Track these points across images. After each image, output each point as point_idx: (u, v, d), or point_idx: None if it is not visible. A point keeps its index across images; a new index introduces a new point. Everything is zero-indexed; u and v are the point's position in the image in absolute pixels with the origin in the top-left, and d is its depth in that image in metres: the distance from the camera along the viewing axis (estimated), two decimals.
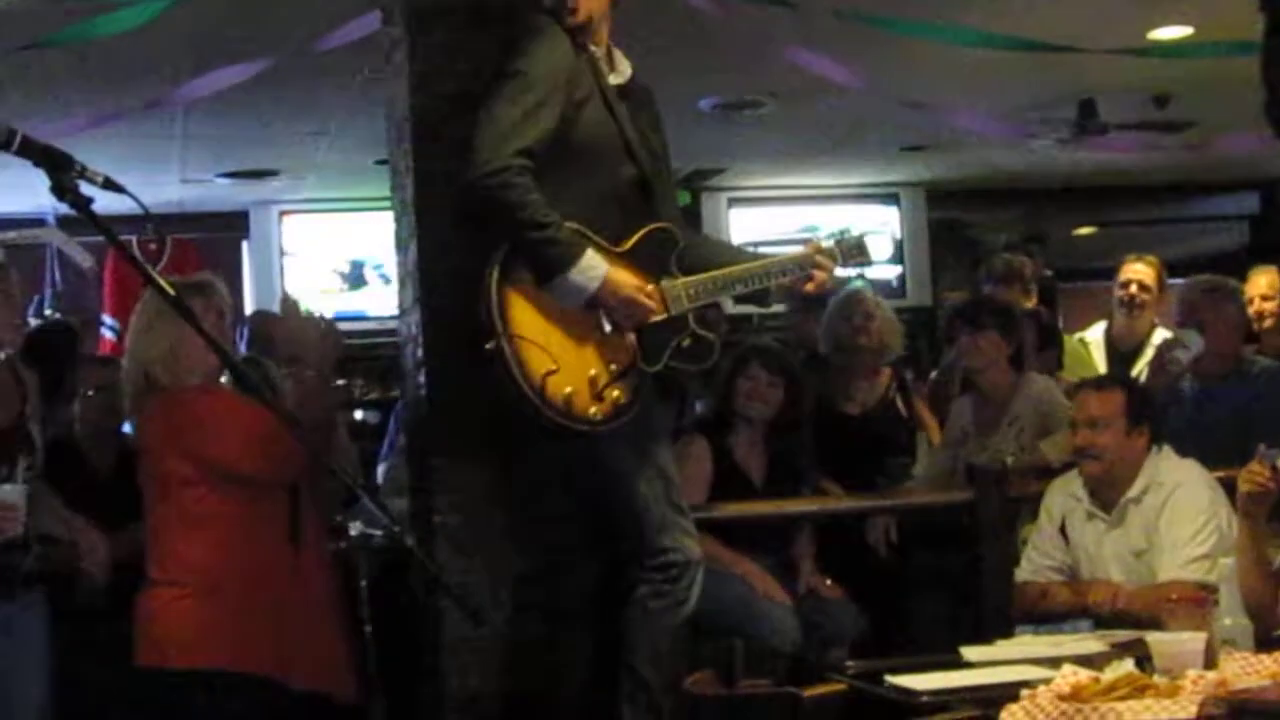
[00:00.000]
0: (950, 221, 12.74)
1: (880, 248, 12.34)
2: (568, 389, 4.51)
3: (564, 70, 4.69)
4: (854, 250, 5.33)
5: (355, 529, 5.38)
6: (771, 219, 12.27)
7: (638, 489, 4.78)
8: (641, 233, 4.80)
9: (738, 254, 5.31)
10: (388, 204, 5.91)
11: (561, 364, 4.53)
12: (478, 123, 4.61)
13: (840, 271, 5.34)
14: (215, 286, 5.29)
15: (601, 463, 4.77)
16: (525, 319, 4.53)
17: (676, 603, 4.83)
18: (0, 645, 5.48)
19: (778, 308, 7.70)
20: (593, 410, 4.59)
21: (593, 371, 4.60)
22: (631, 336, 4.71)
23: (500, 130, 4.54)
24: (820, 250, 5.18)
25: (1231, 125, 8.42)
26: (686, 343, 4.85)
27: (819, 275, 5.13)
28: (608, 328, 4.66)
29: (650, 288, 4.74)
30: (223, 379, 5.23)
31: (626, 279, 4.67)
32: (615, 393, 4.60)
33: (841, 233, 5.39)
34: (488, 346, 4.43)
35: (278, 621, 4.95)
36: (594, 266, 4.57)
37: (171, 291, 3.68)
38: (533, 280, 4.56)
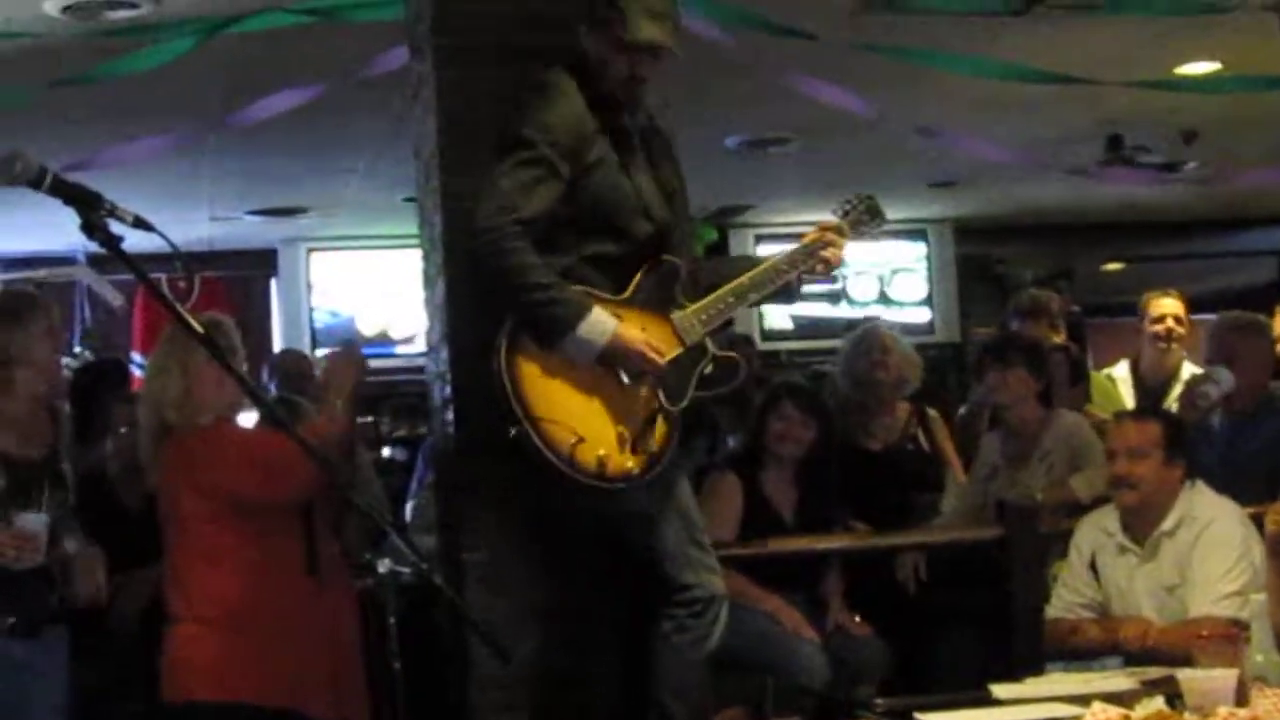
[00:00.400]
0: (978, 257, 12.73)
1: (914, 287, 12.43)
2: (600, 452, 4.50)
3: (572, 135, 4.67)
4: (864, 216, 5.35)
5: (384, 566, 5.37)
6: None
7: (659, 529, 4.77)
8: (638, 276, 4.77)
9: (750, 265, 5.21)
10: (416, 241, 5.93)
11: (586, 433, 4.51)
12: (484, 189, 4.63)
13: (853, 243, 5.29)
14: (223, 326, 5.31)
15: (621, 506, 4.75)
16: (541, 396, 4.51)
17: (701, 637, 4.82)
18: (22, 681, 5.49)
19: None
20: (630, 465, 4.58)
21: (620, 429, 4.58)
22: (651, 382, 4.68)
23: (499, 202, 4.53)
24: (827, 228, 5.17)
25: (1259, 160, 8.41)
26: (709, 369, 4.82)
27: (831, 254, 5.11)
28: (625, 379, 4.63)
29: (662, 329, 4.73)
30: (240, 416, 5.24)
31: (635, 334, 4.62)
32: (647, 442, 4.59)
33: (847, 202, 5.36)
34: (512, 434, 4.43)
35: (297, 653, 4.95)
36: (602, 322, 4.53)
37: (200, 329, 3.70)
38: (539, 349, 4.54)
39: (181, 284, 9.54)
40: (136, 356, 10.46)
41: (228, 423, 5.14)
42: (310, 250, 11.79)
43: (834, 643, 6.49)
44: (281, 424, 4.51)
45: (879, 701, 5.23)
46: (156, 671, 5.64)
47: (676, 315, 4.76)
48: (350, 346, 5.58)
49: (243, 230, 11.14)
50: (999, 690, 4.94)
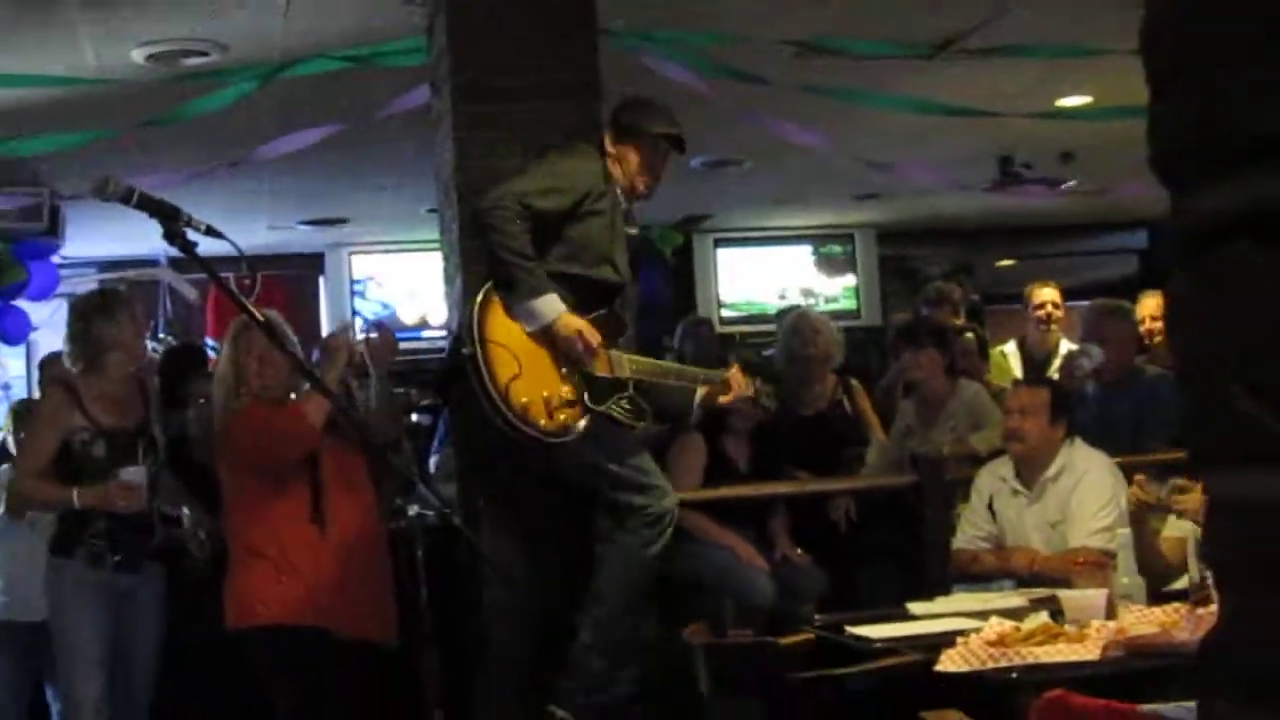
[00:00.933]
0: (895, 256, 12.74)
1: (843, 280, 12.46)
2: (524, 399, 4.57)
3: (589, 182, 4.79)
4: (755, 376, 5.49)
5: (412, 510, 5.38)
6: (750, 256, 12.28)
7: (608, 471, 4.83)
8: (600, 313, 4.86)
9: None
10: (438, 245, 5.92)
11: (525, 372, 4.60)
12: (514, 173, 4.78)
13: (740, 390, 5.34)
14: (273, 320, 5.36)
15: (572, 459, 4.83)
16: (500, 328, 4.62)
17: (649, 541, 4.87)
18: (126, 610, 5.50)
19: None
20: (543, 423, 4.64)
21: (547, 392, 4.65)
22: (580, 378, 4.76)
23: (515, 186, 4.65)
24: (737, 374, 5.31)
25: (1125, 175, 8.43)
26: (625, 403, 4.90)
27: (733, 390, 5.26)
28: (563, 369, 4.71)
29: (592, 332, 4.80)
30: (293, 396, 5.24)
31: (577, 322, 4.72)
32: (563, 415, 4.66)
33: (747, 362, 5.44)
34: (463, 351, 4.52)
35: (314, 584, 4.99)
36: (554, 304, 4.65)
37: (261, 318, 3.70)
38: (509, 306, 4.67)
39: (246, 281, 9.47)
40: (210, 341, 10.42)
41: (255, 403, 5.13)
42: (351, 253, 11.77)
43: (780, 571, 6.49)
44: (327, 392, 4.52)
45: (817, 617, 5.25)
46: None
47: (614, 351, 4.87)
48: (385, 331, 5.56)
49: (295, 237, 11.11)
50: (914, 607, 4.96)
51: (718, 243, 12.13)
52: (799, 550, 6.68)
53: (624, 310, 5.02)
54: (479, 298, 4.65)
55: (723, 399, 5.28)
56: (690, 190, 10.21)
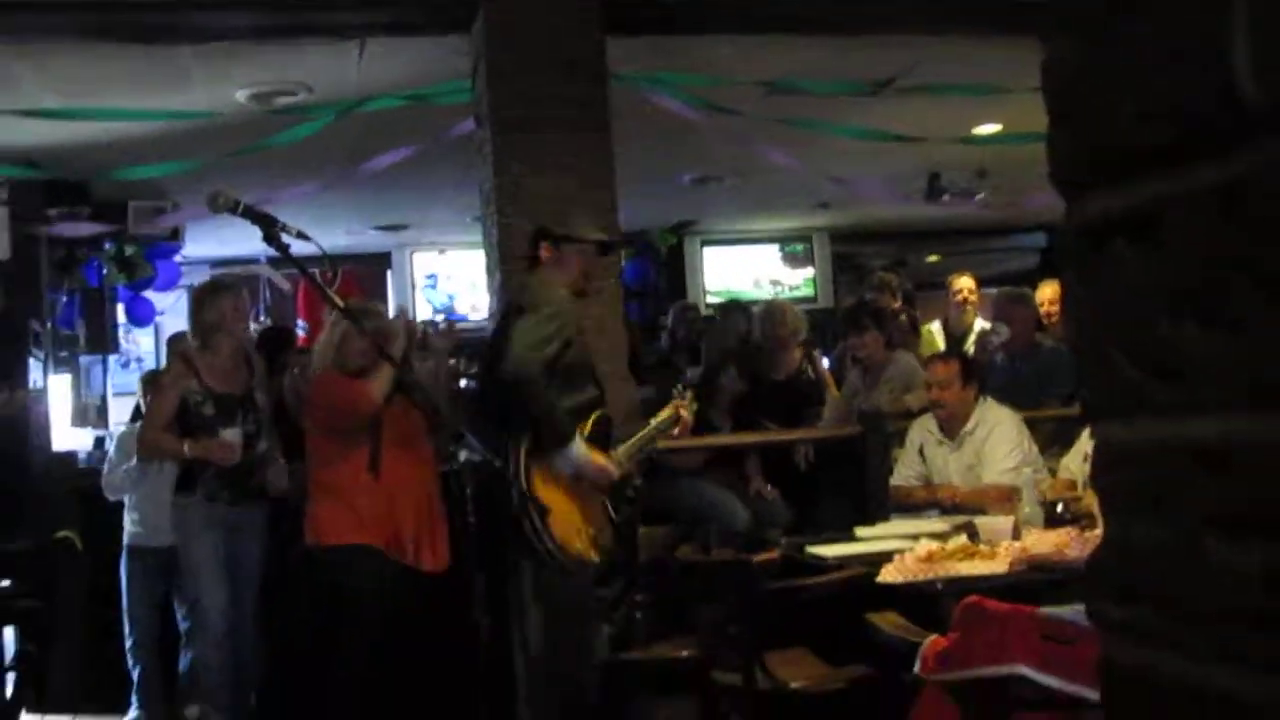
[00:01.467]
0: (846, 253, 12.73)
1: (804, 273, 12.43)
2: (577, 546, 4.36)
3: (570, 316, 4.55)
4: (687, 395, 5.21)
5: (463, 456, 5.38)
6: (730, 253, 12.27)
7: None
8: (592, 420, 4.60)
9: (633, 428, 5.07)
10: (480, 246, 5.91)
11: (567, 519, 4.37)
12: (516, 330, 4.42)
13: (687, 424, 5.11)
14: (371, 309, 5.38)
15: None
16: (544, 491, 4.35)
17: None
18: (235, 536, 5.53)
19: None
20: (591, 555, 4.45)
21: (592, 530, 4.47)
22: (603, 499, 4.56)
23: (533, 349, 4.35)
24: (680, 405, 5.06)
25: (1029, 188, 8.42)
26: (631, 492, 4.75)
27: (684, 421, 5.04)
28: (588, 501, 4.51)
29: (610, 463, 4.58)
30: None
31: (600, 458, 4.52)
32: (603, 541, 4.49)
33: (685, 389, 5.26)
34: (517, 514, 4.25)
35: (370, 519, 5.04)
36: (581, 446, 4.41)
37: (341, 304, 3.70)
38: (544, 458, 4.38)
39: (328, 275, 9.46)
40: (300, 323, 10.44)
41: (329, 373, 5.15)
42: (412, 252, 11.75)
43: (754, 504, 6.52)
44: (393, 363, 4.52)
45: (784, 540, 5.27)
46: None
47: (613, 452, 4.64)
48: (450, 322, 5.60)
49: (367, 239, 11.09)
50: (861, 532, 4.98)
51: (704, 243, 12.10)
52: (770, 487, 6.71)
53: (605, 407, 4.75)
54: (523, 461, 4.33)
55: (678, 431, 5.10)
56: (682, 201, 10.26)
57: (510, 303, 4.77)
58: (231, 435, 5.38)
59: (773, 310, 7.53)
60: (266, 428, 5.67)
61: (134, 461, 6.16)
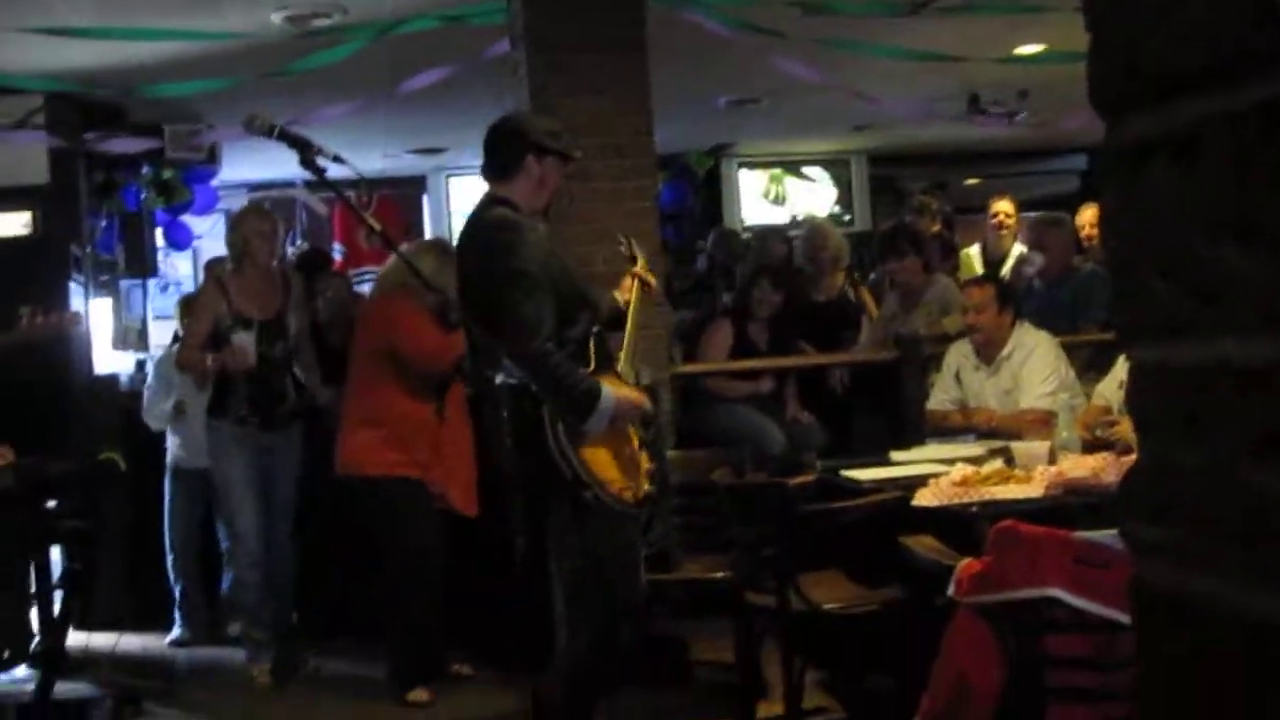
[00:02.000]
0: (884, 175, 12.62)
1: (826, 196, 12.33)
2: (629, 494, 3.95)
3: (546, 260, 3.92)
4: (630, 249, 4.62)
5: (499, 379, 5.42)
6: (766, 177, 12.18)
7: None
8: (591, 345, 4.03)
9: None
10: None
11: (619, 473, 3.97)
12: (502, 308, 3.82)
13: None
14: (440, 245, 5.43)
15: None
16: (597, 463, 3.93)
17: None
18: (268, 459, 5.60)
19: None
20: (645, 487, 4.05)
21: (636, 463, 4.06)
22: (636, 439, 4.13)
23: (528, 325, 3.80)
24: (633, 274, 4.47)
25: (1070, 110, 8.32)
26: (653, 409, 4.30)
27: (649, 283, 4.53)
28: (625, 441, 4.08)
29: (635, 391, 4.13)
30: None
31: (623, 391, 4.02)
32: (645, 486, 4.07)
33: (626, 240, 4.66)
34: (586, 496, 3.87)
35: (414, 450, 5.13)
36: (607, 394, 3.88)
37: (377, 228, 3.71)
38: (579, 429, 3.89)
39: (364, 200, 9.49)
40: (336, 246, 10.47)
41: (419, 312, 5.17)
42: (448, 176, 11.71)
43: (790, 427, 6.54)
44: (435, 290, 4.52)
45: (819, 463, 5.28)
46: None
47: (619, 369, 4.14)
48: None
49: (404, 163, 11.06)
50: (896, 456, 4.98)
51: (740, 165, 12.02)
52: (805, 411, 6.72)
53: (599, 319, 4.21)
54: (567, 447, 3.87)
55: (653, 294, 4.67)
56: (719, 123, 10.18)
57: (479, 235, 4.07)
58: (243, 339, 5.46)
59: (815, 232, 7.52)
60: (302, 351, 5.71)
61: (171, 403, 6.28)
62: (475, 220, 4.06)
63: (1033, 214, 8.20)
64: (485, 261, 3.86)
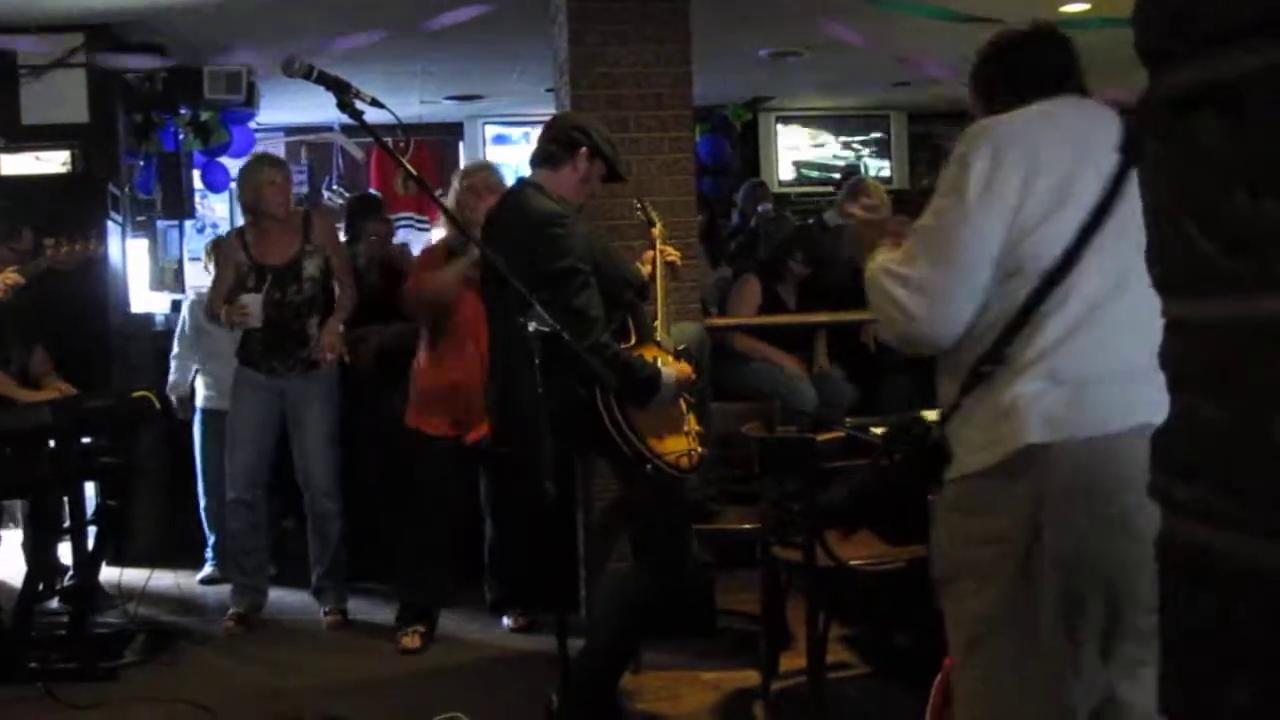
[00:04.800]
0: (923, 133, 12.53)
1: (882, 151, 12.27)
2: (684, 461, 3.99)
3: (589, 250, 3.96)
4: (649, 215, 4.70)
5: (532, 326, 5.45)
6: (805, 134, 12.10)
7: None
8: (632, 321, 4.09)
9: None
10: None
11: (674, 440, 4.02)
12: (563, 304, 3.80)
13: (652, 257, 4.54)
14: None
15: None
16: (651, 433, 3.95)
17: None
18: (297, 405, 5.66)
19: None
20: (699, 453, 4.08)
21: (683, 436, 4.08)
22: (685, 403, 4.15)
23: (590, 319, 3.84)
24: (660, 251, 4.53)
25: (1107, 73, 8.23)
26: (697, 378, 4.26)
27: (674, 258, 4.55)
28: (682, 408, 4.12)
29: (679, 364, 4.13)
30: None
31: (675, 367, 4.06)
32: (697, 451, 4.09)
33: (642, 205, 4.77)
34: (649, 468, 3.90)
35: (458, 409, 5.23)
36: (667, 375, 3.95)
37: (415, 173, 3.70)
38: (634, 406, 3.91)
39: (401, 145, 9.49)
40: (374, 190, 10.49)
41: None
42: (484, 124, 11.69)
43: (819, 383, 6.53)
44: (468, 235, 4.51)
45: (848, 420, 5.27)
46: (385, 396, 5.77)
47: (659, 339, 4.18)
48: None
49: (441, 110, 11.04)
50: (927, 414, 4.96)
51: (779, 119, 11.94)
52: (834, 366, 6.71)
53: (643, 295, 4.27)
54: (624, 425, 3.88)
55: (679, 264, 4.64)
56: (758, 76, 10.08)
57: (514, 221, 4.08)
58: (249, 300, 5.52)
59: (857, 187, 7.45)
60: (322, 294, 5.70)
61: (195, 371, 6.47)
62: (518, 204, 4.09)
63: None
64: (532, 256, 3.89)
